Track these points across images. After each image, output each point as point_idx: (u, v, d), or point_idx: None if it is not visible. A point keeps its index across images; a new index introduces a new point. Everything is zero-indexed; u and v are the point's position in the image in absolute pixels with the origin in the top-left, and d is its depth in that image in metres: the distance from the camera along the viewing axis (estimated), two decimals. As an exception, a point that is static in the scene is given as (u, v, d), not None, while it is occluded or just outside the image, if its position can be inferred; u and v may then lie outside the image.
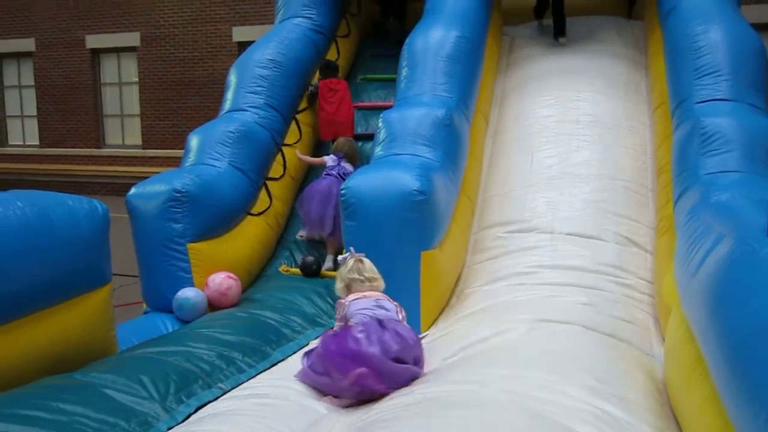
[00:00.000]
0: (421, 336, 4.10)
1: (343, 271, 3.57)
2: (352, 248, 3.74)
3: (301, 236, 5.69)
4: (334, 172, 5.61)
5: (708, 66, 4.90)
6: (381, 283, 3.56)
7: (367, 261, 3.60)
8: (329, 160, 5.72)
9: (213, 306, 4.56)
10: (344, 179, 4.93)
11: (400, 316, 3.45)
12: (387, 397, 3.03)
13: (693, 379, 2.45)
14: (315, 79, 6.49)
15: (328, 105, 6.24)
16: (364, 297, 3.41)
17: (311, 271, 5.22)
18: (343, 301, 3.47)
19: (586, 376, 2.90)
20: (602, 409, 2.60)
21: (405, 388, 3.07)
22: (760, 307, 1.83)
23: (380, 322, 3.20)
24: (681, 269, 2.90)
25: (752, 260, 1.96)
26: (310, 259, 5.31)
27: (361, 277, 3.49)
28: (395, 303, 3.50)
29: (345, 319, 3.37)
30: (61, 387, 2.80)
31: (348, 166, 5.64)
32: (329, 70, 6.45)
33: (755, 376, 1.75)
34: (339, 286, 3.56)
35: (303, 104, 6.35)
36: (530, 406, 2.48)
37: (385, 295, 3.52)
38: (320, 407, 3.07)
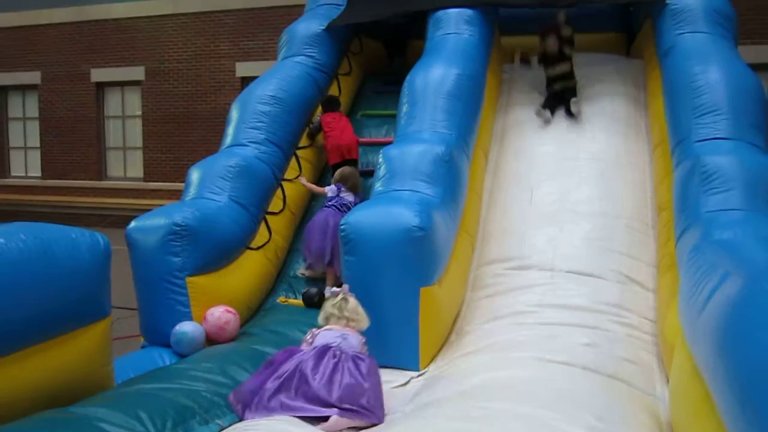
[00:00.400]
0: (419, 373, 4.08)
1: (327, 304, 3.71)
2: (346, 286, 3.84)
3: (302, 274, 5.70)
4: (332, 203, 5.68)
5: (707, 105, 4.95)
6: (361, 325, 3.65)
7: (352, 300, 3.69)
8: (329, 191, 5.78)
9: (211, 340, 4.53)
10: (342, 210, 5.40)
11: (364, 351, 3.55)
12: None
13: (700, 417, 2.43)
14: (316, 116, 6.57)
15: (332, 131, 6.34)
16: (334, 329, 3.55)
17: (313, 303, 5.16)
18: (315, 330, 3.59)
19: (587, 414, 2.87)
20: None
21: (405, 422, 3.05)
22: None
23: (321, 354, 3.33)
24: (686, 307, 2.89)
25: (763, 298, 1.96)
26: (313, 290, 5.29)
27: (340, 314, 3.61)
28: (362, 340, 3.60)
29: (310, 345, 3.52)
30: (57, 421, 2.78)
31: (348, 196, 5.69)
32: (332, 104, 6.57)
33: (765, 413, 1.73)
34: (321, 316, 3.69)
35: (304, 141, 6.40)
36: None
37: (356, 332, 3.60)
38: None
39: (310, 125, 6.50)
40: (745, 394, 1.86)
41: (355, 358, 3.36)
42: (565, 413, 2.83)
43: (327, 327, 3.58)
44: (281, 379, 3.28)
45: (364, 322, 3.68)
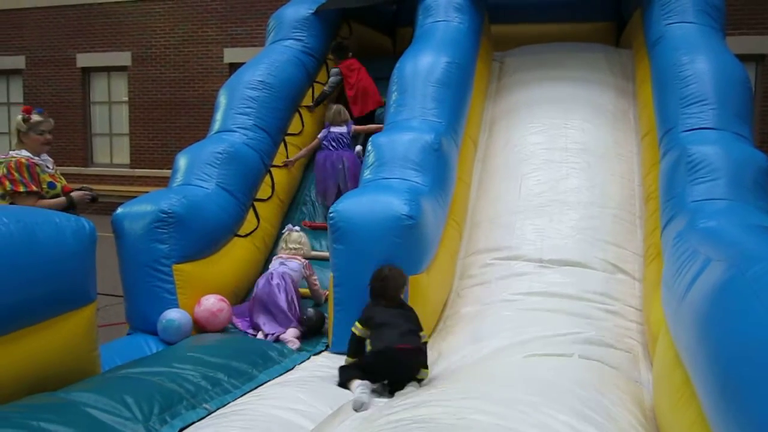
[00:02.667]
0: None
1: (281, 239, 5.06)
2: (290, 225, 5.13)
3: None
4: (326, 143, 6.20)
5: (694, 95, 4.96)
6: (304, 250, 4.97)
7: (294, 234, 4.99)
8: (320, 136, 6.27)
9: (200, 326, 4.51)
10: (336, 143, 6.13)
11: (307, 273, 4.87)
12: (371, 418, 3.01)
13: (680, 403, 2.44)
14: (332, 76, 6.88)
15: (348, 86, 6.67)
16: (280, 257, 4.88)
17: (312, 324, 4.64)
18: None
19: (572, 400, 2.88)
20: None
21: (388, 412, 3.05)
22: (748, 328, 1.83)
23: (270, 276, 4.69)
24: (668, 293, 2.90)
25: (743, 285, 1.97)
26: (311, 312, 4.69)
27: (286, 246, 4.95)
28: (305, 262, 4.86)
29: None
30: (43, 406, 2.75)
31: (336, 129, 6.20)
32: (342, 50, 6.82)
33: (743, 399, 1.74)
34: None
35: (293, 127, 6.36)
36: (516, 430, 2.46)
37: (298, 257, 4.85)
38: (307, 423, 3.04)
39: (324, 88, 6.82)
40: (724, 380, 1.87)
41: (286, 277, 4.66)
42: (550, 398, 2.83)
43: (277, 257, 4.90)
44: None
45: (307, 247, 5.03)
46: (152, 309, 4.46)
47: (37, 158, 4.40)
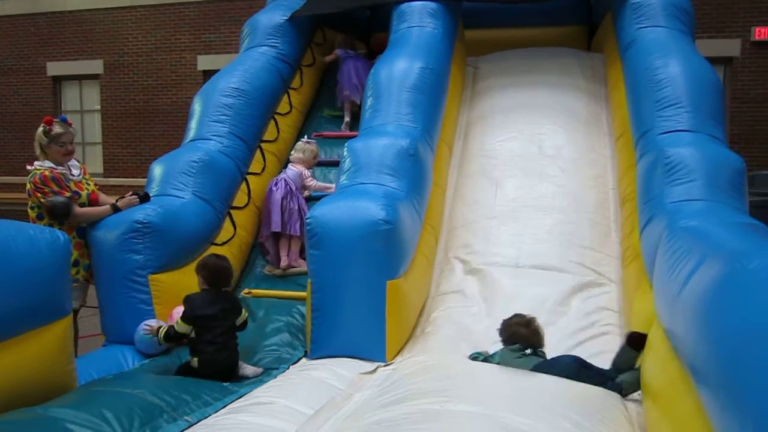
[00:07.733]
0: (385, 364, 4.09)
1: None
2: (306, 136, 6.11)
3: (269, 271, 5.66)
4: (348, 58, 7.16)
5: (669, 98, 5.02)
6: (300, 156, 5.74)
7: (299, 143, 5.83)
8: (338, 52, 7.30)
9: (175, 338, 4.46)
10: (356, 58, 7.21)
11: (305, 176, 5.71)
12: (355, 416, 3.00)
13: (674, 396, 2.46)
14: None
15: None
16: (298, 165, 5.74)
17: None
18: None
19: (561, 409, 2.88)
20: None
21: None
22: (754, 317, 1.85)
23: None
24: (662, 290, 2.92)
25: (744, 277, 2.00)
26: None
27: (292, 154, 5.83)
28: (301, 172, 5.66)
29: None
30: (21, 422, 2.71)
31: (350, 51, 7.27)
32: None
33: (744, 385, 1.75)
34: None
35: (269, 134, 6.33)
36: (503, 422, 2.47)
37: (299, 166, 5.70)
38: (289, 427, 3.02)
39: None
40: (728, 371, 1.88)
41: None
42: (536, 410, 2.83)
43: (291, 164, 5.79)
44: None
45: (309, 154, 5.77)
46: (128, 320, 4.41)
47: (60, 167, 4.39)
